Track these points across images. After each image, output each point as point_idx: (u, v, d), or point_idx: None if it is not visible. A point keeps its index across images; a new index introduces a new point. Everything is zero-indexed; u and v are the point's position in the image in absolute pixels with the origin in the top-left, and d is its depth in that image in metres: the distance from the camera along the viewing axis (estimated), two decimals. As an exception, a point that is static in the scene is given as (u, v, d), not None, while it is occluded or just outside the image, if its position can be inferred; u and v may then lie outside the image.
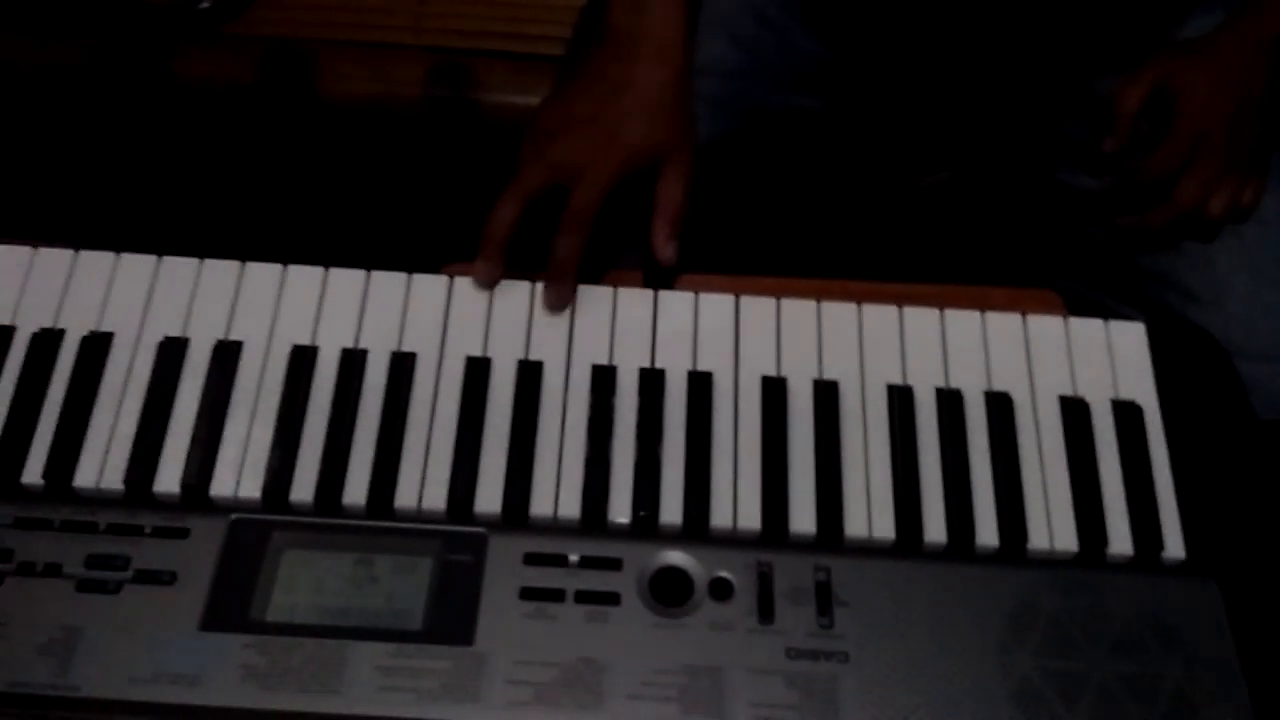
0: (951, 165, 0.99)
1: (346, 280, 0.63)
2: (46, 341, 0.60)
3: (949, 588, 0.56)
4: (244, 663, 0.52)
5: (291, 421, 0.59)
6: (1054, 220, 0.90)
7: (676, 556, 0.56)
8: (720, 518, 0.57)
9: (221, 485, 0.57)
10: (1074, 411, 0.61)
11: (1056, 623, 0.55)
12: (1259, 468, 0.61)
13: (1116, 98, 0.78)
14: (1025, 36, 0.81)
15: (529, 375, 0.60)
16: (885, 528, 0.57)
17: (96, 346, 0.60)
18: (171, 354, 0.60)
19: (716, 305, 0.63)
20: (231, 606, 0.54)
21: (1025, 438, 0.60)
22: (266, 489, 0.57)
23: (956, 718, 0.52)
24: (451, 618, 0.54)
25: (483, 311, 0.63)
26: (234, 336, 0.61)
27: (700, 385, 0.61)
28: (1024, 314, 0.64)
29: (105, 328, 0.61)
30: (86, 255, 0.63)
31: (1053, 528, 0.58)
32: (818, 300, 0.64)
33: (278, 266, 0.63)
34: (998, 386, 0.62)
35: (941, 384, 0.62)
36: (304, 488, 0.57)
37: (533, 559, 0.56)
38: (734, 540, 0.57)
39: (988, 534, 0.58)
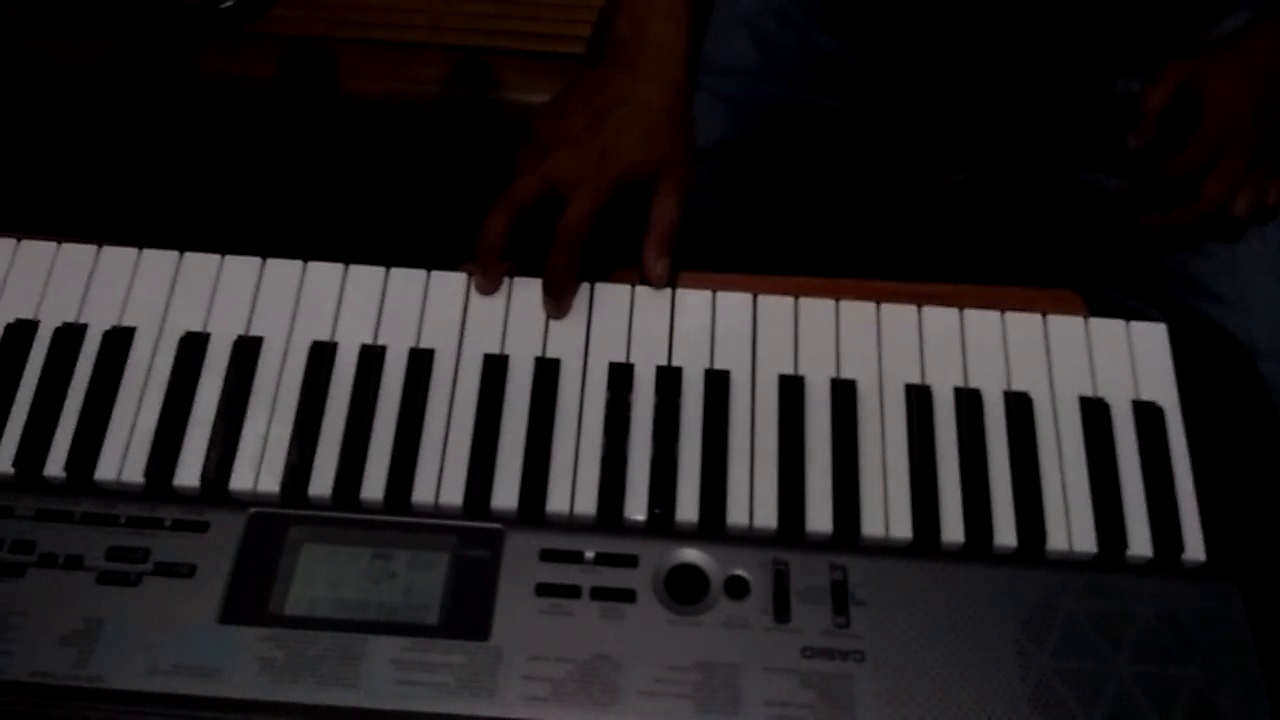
0: (972, 165, 0.98)
1: (366, 277, 0.63)
2: (69, 336, 0.61)
3: (966, 588, 0.55)
4: (261, 655, 0.53)
5: (310, 416, 0.59)
6: (1076, 220, 0.89)
7: (692, 554, 0.56)
8: (736, 516, 0.57)
9: (241, 479, 0.57)
10: (1094, 412, 0.60)
11: (1075, 624, 0.55)
12: (1281, 470, 0.60)
13: (1142, 95, 0.78)
14: (1050, 37, 0.80)
15: (546, 372, 0.60)
16: (902, 527, 0.57)
17: (118, 341, 0.61)
18: (192, 349, 0.61)
19: (734, 303, 0.63)
20: (250, 599, 0.54)
21: (1045, 438, 0.60)
22: (285, 483, 0.57)
23: (973, 718, 0.52)
24: (468, 613, 0.54)
25: (501, 309, 0.63)
26: (254, 332, 0.61)
27: (717, 383, 0.61)
28: (1044, 314, 0.63)
29: (127, 322, 0.62)
30: (109, 251, 0.64)
31: (1072, 529, 0.58)
32: (836, 299, 0.63)
33: (298, 263, 0.64)
34: (1017, 387, 0.61)
35: (960, 384, 0.61)
36: (322, 482, 0.57)
37: (549, 555, 0.56)
38: (750, 538, 0.57)
39: (1006, 534, 0.57)
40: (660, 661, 0.53)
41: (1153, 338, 0.63)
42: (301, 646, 0.53)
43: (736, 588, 0.55)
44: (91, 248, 0.64)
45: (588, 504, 0.57)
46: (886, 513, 0.57)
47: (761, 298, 0.63)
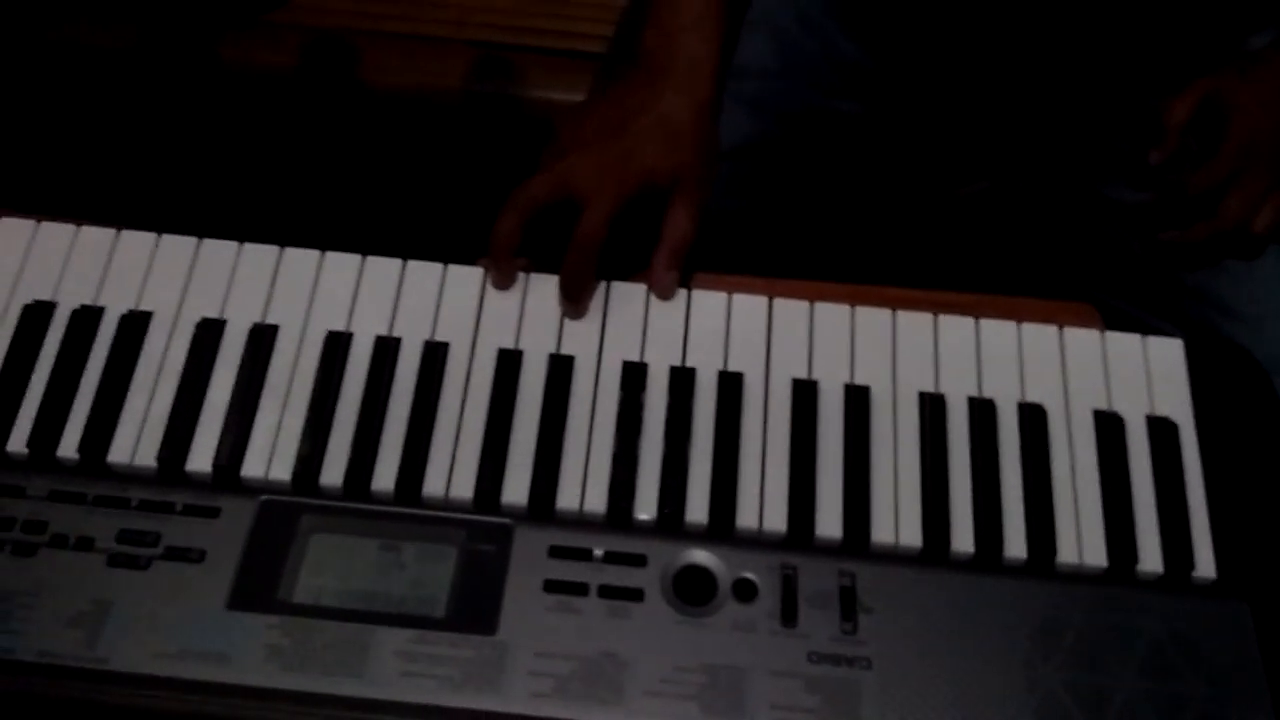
0: (991, 175, 0.98)
1: (382, 269, 0.63)
2: (86, 318, 0.61)
3: (975, 598, 0.55)
4: (269, 643, 0.53)
5: (324, 406, 0.59)
6: (1094, 233, 0.89)
7: (701, 555, 0.56)
8: (746, 518, 0.57)
9: (253, 466, 0.58)
10: (1108, 426, 0.60)
11: (1083, 638, 0.54)
12: (1295, 490, 0.60)
13: (1164, 110, 0.77)
14: (1074, 54, 0.80)
15: (560, 369, 0.60)
16: (912, 535, 0.57)
17: (135, 325, 0.61)
18: (208, 335, 0.61)
19: (750, 306, 0.63)
20: (258, 586, 0.54)
21: (1058, 450, 0.60)
22: (297, 472, 0.57)
23: (978, 729, 0.52)
24: (475, 607, 0.54)
25: (516, 304, 0.63)
26: (270, 320, 0.62)
27: (730, 385, 0.60)
28: (1060, 326, 0.63)
29: (144, 307, 0.62)
30: (128, 235, 0.64)
31: (1082, 542, 0.57)
32: (851, 305, 0.63)
33: (315, 253, 0.64)
34: (1031, 398, 0.61)
35: (974, 393, 0.61)
36: (334, 472, 0.57)
37: (557, 552, 0.56)
38: (759, 541, 0.57)
39: (1016, 546, 0.57)
40: (666, 662, 0.53)
41: (1169, 353, 0.63)
42: (309, 635, 0.53)
43: (744, 590, 0.55)
44: (110, 232, 0.64)
45: (598, 502, 0.57)
46: (897, 520, 0.57)
47: (777, 301, 0.63)
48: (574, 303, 0.62)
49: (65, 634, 0.53)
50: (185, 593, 0.54)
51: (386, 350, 0.61)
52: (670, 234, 0.64)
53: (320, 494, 0.57)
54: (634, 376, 0.61)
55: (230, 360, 0.60)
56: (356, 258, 0.64)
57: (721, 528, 0.57)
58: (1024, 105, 0.85)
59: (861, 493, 0.58)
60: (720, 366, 0.61)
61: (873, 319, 0.63)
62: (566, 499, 0.57)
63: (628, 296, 0.63)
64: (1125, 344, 0.63)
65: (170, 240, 0.64)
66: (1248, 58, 0.79)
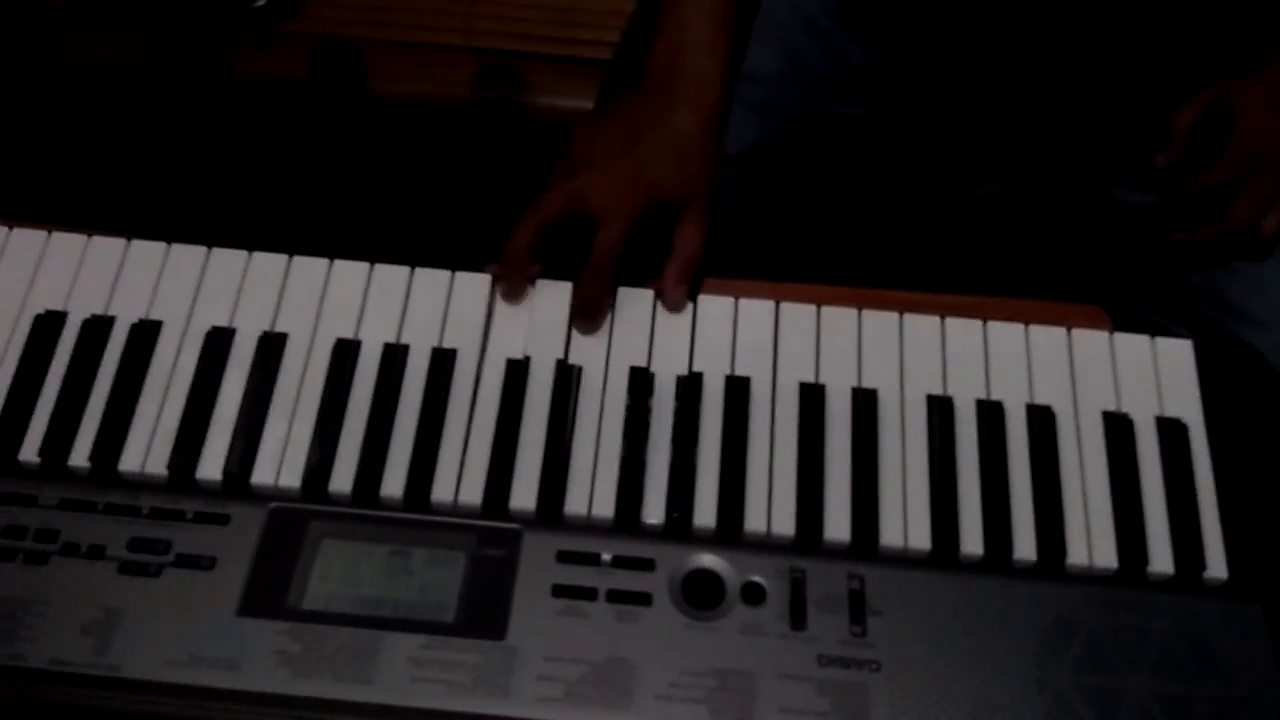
0: (999, 178, 0.98)
1: (391, 276, 0.64)
2: (97, 328, 0.62)
3: (985, 600, 0.55)
4: (279, 649, 0.53)
5: (332, 413, 0.59)
6: (1103, 236, 0.89)
7: (709, 559, 0.56)
8: (754, 522, 0.57)
9: (262, 474, 0.58)
10: (1117, 427, 0.60)
11: (1094, 640, 0.54)
12: (1306, 490, 0.60)
13: (1171, 114, 0.77)
14: (1082, 57, 0.80)
15: (567, 374, 0.61)
16: (921, 538, 0.57)
17: (145, 334, 0.61)
18: (218, 343, 0.61)
19: (757, 310, 0.63)
20: (269, 593, 0.54)
21: (1067, 452, 0.60)
22: (306, 479, 0.58)
23: (988, 732, 0.52)
24: (484, 612, 0.54)
25: (524, 310, 0.63)
26: (279, 328, 0.62)
27: (738, 390, 0.61)
28: (1069, 328, 0.63)
29: (154, 316, 0.62)
30: (138, 244, 0.64)
31: (1092, 544, 0.57)
32: (859, 308, 0.63)
33: (324, 261, 0.64)
34: (1040, 400, 0.61)
35: (983, 395, 0.61)
36: (343, 479, 0.58)
37: (566, 557, 0.56)
38: (767, 545, 0.57)
39: (1026, 548, 0.57)
40: (675, 666, 0.53)
41: (1178, 354, 0.63)
42: (319, 641, 0.53)
43: (753, 594, 0.55)
44: (121, 241, 0.64)
45: (606, 506, 0.57)
46: (905, 523, 0.57)
47: (784, 305, 0.63)
48: (589, 320, 0.62)
49: (77, 641, 0.53)
50: (196, 600, 0.54)
51: (395, 357, 0.61)
52: (680, 250, 0.64)
53: (329, 501, 0.58)
54: (641, 382, 0.61)
55: (240, 368, 0.61)
56: (364, 265, 0.64)
57: (730, 531, 0.57)
58: (1032, 108, 0.85)
59: (870, 496, 0.58)
60: (727, 370, 0.61)
61: (880, 322, 0.63)
62: (575, 504, 0.57)
63: (635, 301, 0.63)
64: (1134, 345, 0.63)
65: (180, 250, 0.64)
66: (1254, 61, 0.78)
